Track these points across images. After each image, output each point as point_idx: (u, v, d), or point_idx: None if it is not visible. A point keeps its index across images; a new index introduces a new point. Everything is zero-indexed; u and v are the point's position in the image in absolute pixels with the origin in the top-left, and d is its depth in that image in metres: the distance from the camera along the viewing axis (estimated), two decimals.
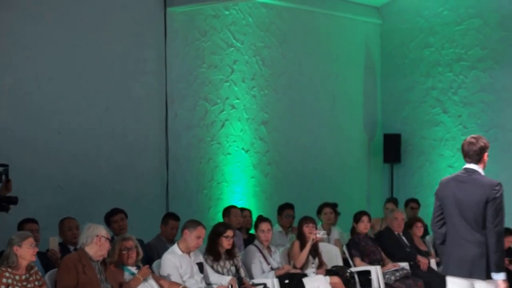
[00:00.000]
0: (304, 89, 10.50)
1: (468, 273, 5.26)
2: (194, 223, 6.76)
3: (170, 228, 7.58)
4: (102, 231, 5.99)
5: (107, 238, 5.99)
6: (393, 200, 10.18)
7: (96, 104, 8.20)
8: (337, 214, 9.37)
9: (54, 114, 7.86)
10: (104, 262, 6.06)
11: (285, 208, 8.88)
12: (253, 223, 8.14)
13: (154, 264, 6.82)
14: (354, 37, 11.28)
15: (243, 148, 9.73)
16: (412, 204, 10.06)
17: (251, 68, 9.86)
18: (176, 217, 7.68)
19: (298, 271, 7.49)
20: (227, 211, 8.34)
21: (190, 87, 9.16)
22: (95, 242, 5.92)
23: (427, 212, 10.93)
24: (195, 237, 6.66)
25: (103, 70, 8.27)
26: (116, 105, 8.37)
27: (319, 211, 9.11)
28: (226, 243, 6.97)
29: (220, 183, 9.44)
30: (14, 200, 6.30)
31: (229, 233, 6.99)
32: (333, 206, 9.27)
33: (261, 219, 7.72)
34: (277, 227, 8.74)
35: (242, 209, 8.68)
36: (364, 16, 11.36)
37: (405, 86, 11.38)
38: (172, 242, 7.33)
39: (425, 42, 11.21)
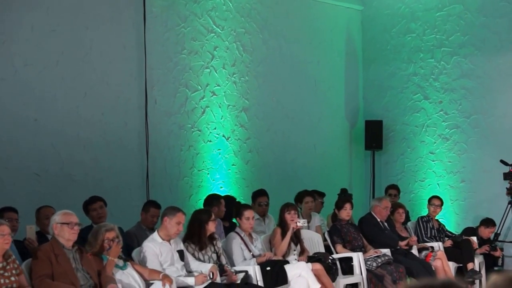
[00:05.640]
0: (285, 76, 10.43)
1: None
2: (173, 210, 6.70)
3: (151, 216, 7.49)
4: (57, 217, 5.85)
5: (63, 223, 5.83)
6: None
7: (73, 90, 8.07)
8: (321, 203, 9.37)
9: (31, 100, 7.72)
10: (80, 250, 5.95)
11: (258, 196, 8.74)
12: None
13: (134, 252, 6.74)
14: (336, 23, 11.21)
15: (223, 135, 9.65)
16: (391, 190, 10.05)
17: (231, 54, 9.76)
18: (157, 205, 7.59)
19: (280, 258, 7.45)
20: (216, 200, 8.19)
21: (170, 74, 9.05)
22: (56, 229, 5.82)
23: (409, 198, 10.96)
24: (175, 223, 6.60)
25: (80, 55, 8.14)
26: (95, 92, 8.25)
27: (299, 200, 9.02)
28: (213, 227, 6.98)
29: (201, 171, 9.36)
30: None
31: (213, 216, 7.01)
32: (316, 194, 9.25)
33: (244, 206, 7.65)
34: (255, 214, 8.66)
35: (230, 197, 8.61)
36: (346, 2, 11.29)
37: (386, 73, 11.35)
38: (152, 230, 7.24)
39: (406, 28, 11.17)
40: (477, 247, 9.34)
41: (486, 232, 9.60)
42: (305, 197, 8.98)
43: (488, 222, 9.62)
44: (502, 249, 9.78)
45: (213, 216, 7.01)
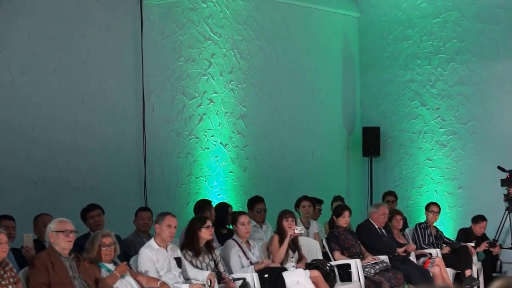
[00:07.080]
0: (282, 83, 10.43)
1: None
2: (162, 215, 6.80)
3: (140, 219, 7.56)
4: (52, 225, 5.85)
5: (59, 231, 5.83)
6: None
7: (71, 98, 8.07)
8: (319, 210, 9.36)
9: (28, 108, 7.71)
10: (77, 258, 5.94)
11: (255, 203, 8.73)
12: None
13: (132, 260, 6.74)
14: (333, 30, 11.23)
15: (221, 143, 9.65)
16: (389, 197, 10.04)
17: (228, 61, 9.77)
18: (144, 208, 7.71)
19: (278, 265, 7.44)
20: (208, 205, 8.18)
21: (167, 81, 9.05)
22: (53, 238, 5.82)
23: (406, 205, 10.96)
24: (166, 226, 6.67)
25: (78, 63, 8.14)
26: (92, 99, 8.25)
27: (297, 205, 9.05)
28: (208, 234, 6.95)
29: (199, 178, 9.35)
30: None
31: (208, 223, 7.02)
32: (315, 201, 9.25)
33: (238, 212, 7.66)
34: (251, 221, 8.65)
35: (225, 204, 8.60)
36: (342, 9, 11.31)
37: (383, 79, 11.36)
38: (149, 236, 7.26)
39: (403, 35, 11.19)
40: (474, 251, 9.34)
41: (477, 228, 9.63)
42: (302, 201, 8.99)
43: (477, 219, 9.65)
44: (501, 247, 9.79)
45: (207, 223, 6.98)
